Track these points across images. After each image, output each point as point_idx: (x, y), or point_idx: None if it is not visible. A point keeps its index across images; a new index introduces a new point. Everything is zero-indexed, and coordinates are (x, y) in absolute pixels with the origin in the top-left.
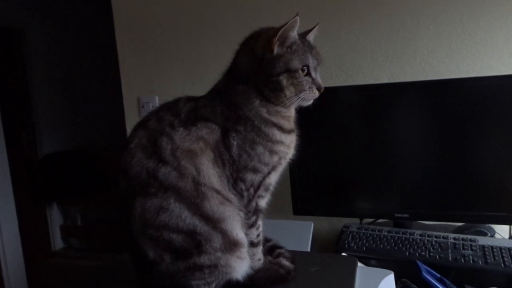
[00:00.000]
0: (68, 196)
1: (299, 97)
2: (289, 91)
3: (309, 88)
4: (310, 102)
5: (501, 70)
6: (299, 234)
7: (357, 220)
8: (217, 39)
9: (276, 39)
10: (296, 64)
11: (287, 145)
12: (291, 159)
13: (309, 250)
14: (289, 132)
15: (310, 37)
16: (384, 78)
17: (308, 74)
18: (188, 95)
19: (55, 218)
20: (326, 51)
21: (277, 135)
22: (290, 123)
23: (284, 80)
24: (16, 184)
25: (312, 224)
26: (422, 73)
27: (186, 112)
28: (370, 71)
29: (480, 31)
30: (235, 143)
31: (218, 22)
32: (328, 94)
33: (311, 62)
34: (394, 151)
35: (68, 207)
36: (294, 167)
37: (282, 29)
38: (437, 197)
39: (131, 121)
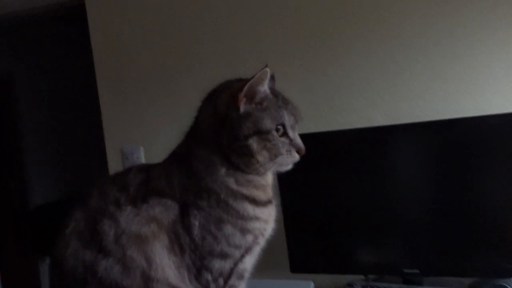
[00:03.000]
0: None
1: (275, 162)
2: (261, 157)
3: (286, 151)
4: (290, 166)
5: (504, 105)
6: None
7: (362, 277)
8: (201, 82)
9: (243, 94)
10: (268, 124)
11: (264, 220)
12: (271, 235)
13: None
14: (265, 204)
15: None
16: (378, 117)
17: (285, 134)
18: (143, 163)
19: (47, 273)
20: (314, 91)
21: (250, 210)
22: (266, 193)
23: (254, 143)
24: (4, 237)
25: (312, 284)
26: (418, 111)
27: (136, 185)
28: (363, 110)
29: (478, 64)
30: (196, 222)
31: (201, 65)
32: (321, 140)
33: (287, 120)
34: (397, 198)
35: None
36: (289, 218)
37: (249, 83)
38: (448, 248)
39: None
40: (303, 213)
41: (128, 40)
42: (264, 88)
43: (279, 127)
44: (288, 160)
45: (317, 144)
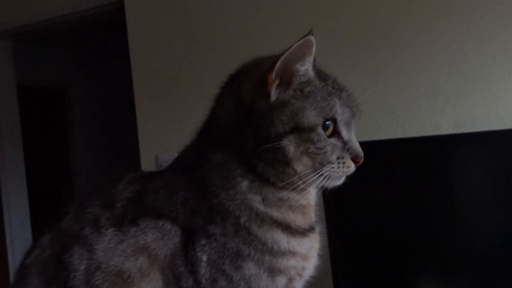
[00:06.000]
0: None
1: (321, 175)
2: (301, 165)
3: (337, 158)
4: (341, 181)
5: None
6: None
7: None
8: None
9: (274, 74)
10: (311, 117)
11: (303, 255)
12: (311, 276)
13: None
14: (304, 232)
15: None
16: (445, 126)
17: (336, 133)
18: (144, 171)
19: None
20: (370, 96)
21: (283, 241)
22: (306, 217)
23: (291, 146)
24: None
25: None
26: (496, 119)
27: (125, 200)
28: (427, 118)
29: None
30: (204, 257)
31: None
32: (378, 150)
33: (340, 113)
34: (468, 220)
35: None
36: (335, 242)
37: (283, 57)
38: None
39: None
40: (355, 239)
41: (165, 49)
42: (306, 66)
43: (328, 122)
44: (339, 171)
45: (373, 154)
